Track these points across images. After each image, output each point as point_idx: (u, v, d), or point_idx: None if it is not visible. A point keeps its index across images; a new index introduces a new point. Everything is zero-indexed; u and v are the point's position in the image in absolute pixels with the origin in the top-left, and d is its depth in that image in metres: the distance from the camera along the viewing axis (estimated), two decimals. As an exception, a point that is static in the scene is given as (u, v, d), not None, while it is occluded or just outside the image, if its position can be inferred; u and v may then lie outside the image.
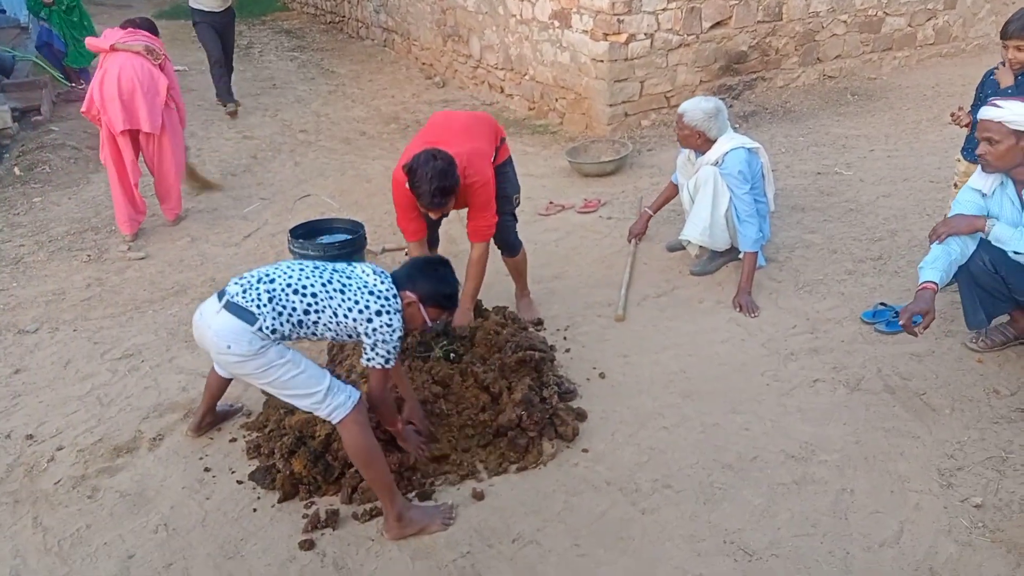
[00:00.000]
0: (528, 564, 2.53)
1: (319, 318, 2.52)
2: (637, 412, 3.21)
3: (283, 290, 2.51)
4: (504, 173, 3.64)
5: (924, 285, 3.02)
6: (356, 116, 7.51)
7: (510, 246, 3.79)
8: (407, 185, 3.15)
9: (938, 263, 3.06)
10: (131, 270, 4.62)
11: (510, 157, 3.75)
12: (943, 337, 3.55)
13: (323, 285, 2.54)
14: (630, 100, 6.41)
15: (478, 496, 2.80)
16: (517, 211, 3.82)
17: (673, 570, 2.48)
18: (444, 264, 2.76)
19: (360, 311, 2.51)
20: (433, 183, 3.03)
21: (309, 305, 2.51)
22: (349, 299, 2.52)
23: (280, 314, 2.48)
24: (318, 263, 2.66)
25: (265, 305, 2.47)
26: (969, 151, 3.73)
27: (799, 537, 2.57)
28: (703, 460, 2.93)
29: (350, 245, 3.97)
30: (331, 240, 4.04)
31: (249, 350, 2.45)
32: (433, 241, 3.85)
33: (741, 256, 4.04)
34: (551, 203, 5.25)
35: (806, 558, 2.49)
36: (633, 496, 2.78)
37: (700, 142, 3.97)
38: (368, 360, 2.58)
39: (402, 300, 2.59)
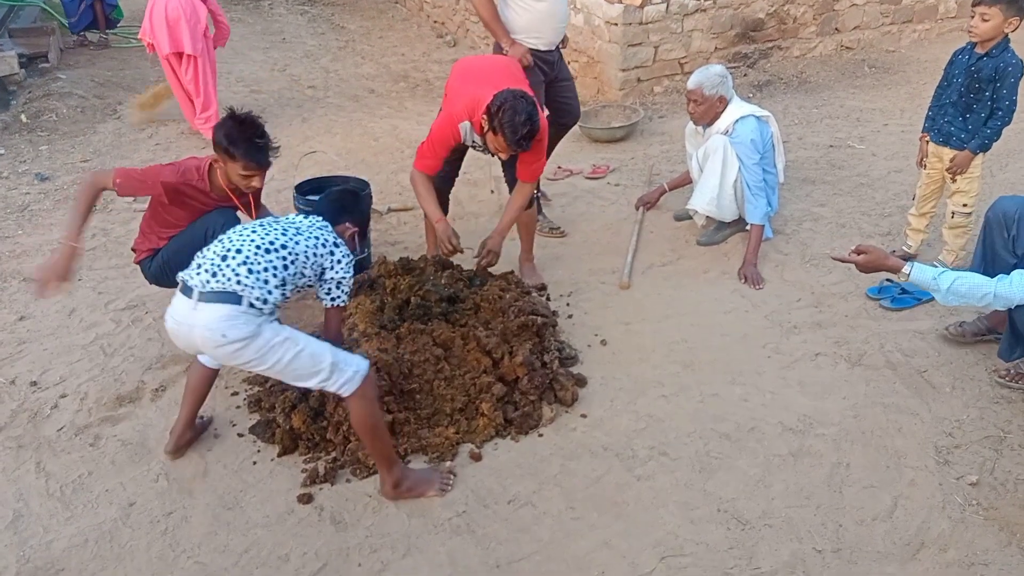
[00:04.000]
0: (523, 525, 2.56)
1: (296, 268, 2.50)
2: (637, 380, 3.22)
3: (255, 254, 2.43)
4: None
5: (900, 266, 2.83)
6: (365, 73, 7.42)
7: None
8: (489, 123, 3.15)
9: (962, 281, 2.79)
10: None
11: None
12: (948, 316, 3.53)
13: (283, 234, 2.53)
14: (643, 65, 6.32)
15: (475, 457, 2.82)
16: None
17: (666, 536, 2.50)
18: (356, 193, 2.90)
19: (323, 245, 2.56)
20: (525, 127, 3.09)
21: (284, 258, 2.48)
22: (310, 238, 2.55)
23: (267, 282, 2.41)
24: (258, 222, 2.62)
25: (246, 278, 2.37)
26: (935, 133, 3.72)
27: (792, 508, 2.59)
28: (700, 429, 2.94)
29: (356, 203, 3.95)
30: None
31: (246, 332, 2.33)
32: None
33: (748, 227, 4.02)
34: (559, 168, 5.21)
35: (798, 529, 2.51)
36: (629, 462, 2.80)
37: (720, 108, 3.90)
38: (333, 300, 2.61)
39: (342, 234, 2.69)
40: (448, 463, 2.78)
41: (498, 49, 4.15)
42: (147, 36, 5.47)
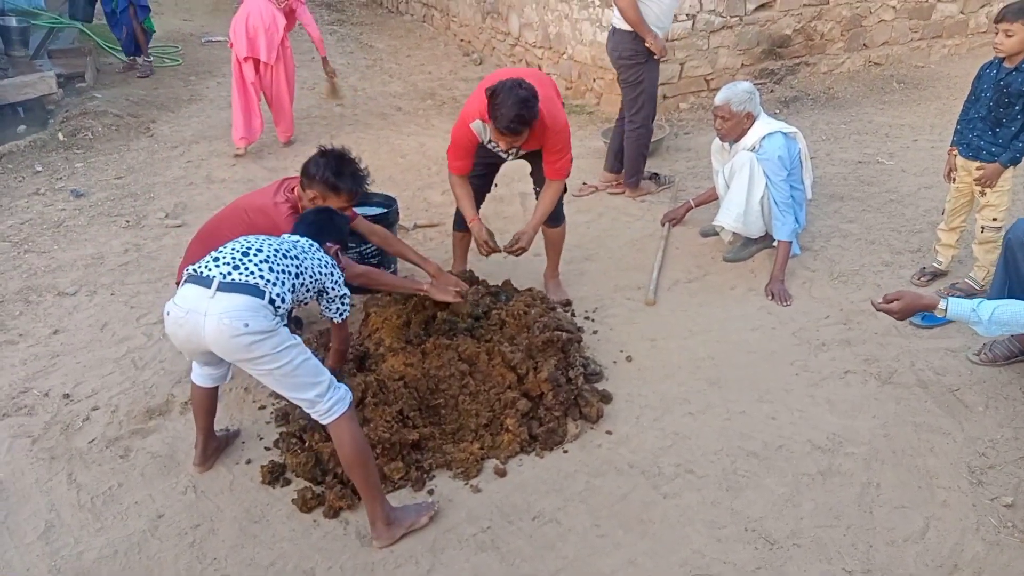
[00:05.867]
0: (547, 542, 2.54)
1: (303, 280, 2.55)
2: (663, 397, 3.20)
3: (275, 255, 2.49)
4: None
5: (935, 304, 2.77)
6: (393, 91, 7.51)
7: (554, 216, 3.76)
8: (488, 107, 3.16)
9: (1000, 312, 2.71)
10: (168, 237, 4.70)
11: None
12: (980, 335, 3.46)
13: (293, 247, 2.60)
14: (668, 82, 6.32)
15: (500, 473, 2.82)
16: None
17: (692, 555, 2.48)
18: (330, 210, 2.94)
19: (325, 265, 2.65)
20: (514, 109, 3.09)
21: (297, 267, 2.53)
22: (313, 257, 2.63)
23: (283, 283, 2.44)
24: (265, 236, 2.65)
25: (268, 274, 2.41)
26: (963, 147, 3.66)
27: (822, 528, 2.55)
28: (727, 447, 2.91)
29: (383, 219, 3.98)
30: (364, 213, 4.05)
31: (267, 326, 2.31)
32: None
33: (775, 244, 3.99)
34: (585, 184, 5.21)
35: (828, 549, 2.47)
36: (655, 480, 2.78)
37: (748, 125, 3.89)
38: (340, 313, 2.74)
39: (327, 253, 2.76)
40: (432, 499, 2.70)
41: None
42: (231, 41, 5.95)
